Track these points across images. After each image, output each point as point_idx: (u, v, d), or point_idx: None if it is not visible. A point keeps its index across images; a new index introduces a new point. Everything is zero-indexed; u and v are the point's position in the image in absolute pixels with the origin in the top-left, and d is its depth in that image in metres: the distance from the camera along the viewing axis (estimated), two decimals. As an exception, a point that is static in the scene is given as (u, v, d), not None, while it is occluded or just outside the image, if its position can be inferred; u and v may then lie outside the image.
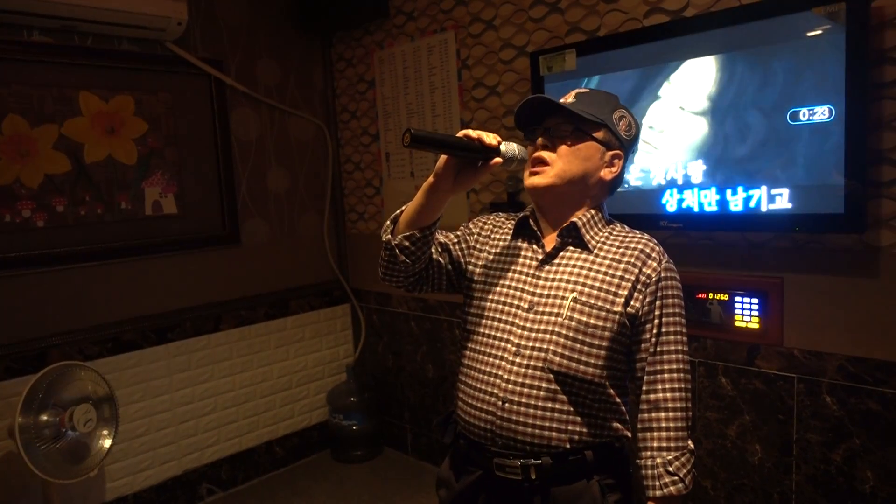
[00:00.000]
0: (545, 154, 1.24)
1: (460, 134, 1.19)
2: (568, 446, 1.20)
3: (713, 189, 1.91)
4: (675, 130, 1.98)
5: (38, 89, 2.41)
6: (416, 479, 3.04)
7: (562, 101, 1.27)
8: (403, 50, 2.96)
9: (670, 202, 2.01)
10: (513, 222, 1.36)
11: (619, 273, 1.21)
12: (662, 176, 2.03)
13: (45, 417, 2.14)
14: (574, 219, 1.26)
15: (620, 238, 1.27)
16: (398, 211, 1.30)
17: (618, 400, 1.23)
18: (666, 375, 1.21)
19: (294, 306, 3.25)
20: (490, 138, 1.19)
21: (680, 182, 1.99)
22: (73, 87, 2.50)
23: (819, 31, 1.67)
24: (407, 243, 1.25)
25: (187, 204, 2.85)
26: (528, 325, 1.23)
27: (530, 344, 1.21)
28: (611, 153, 1.26)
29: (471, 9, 2.64)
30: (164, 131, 2.76)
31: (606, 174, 1.26)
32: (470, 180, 1.23)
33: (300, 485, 3.07)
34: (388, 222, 1.31)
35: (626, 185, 2.11)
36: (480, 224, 1.41)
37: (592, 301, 1.20)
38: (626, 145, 1.28)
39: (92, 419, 2.25)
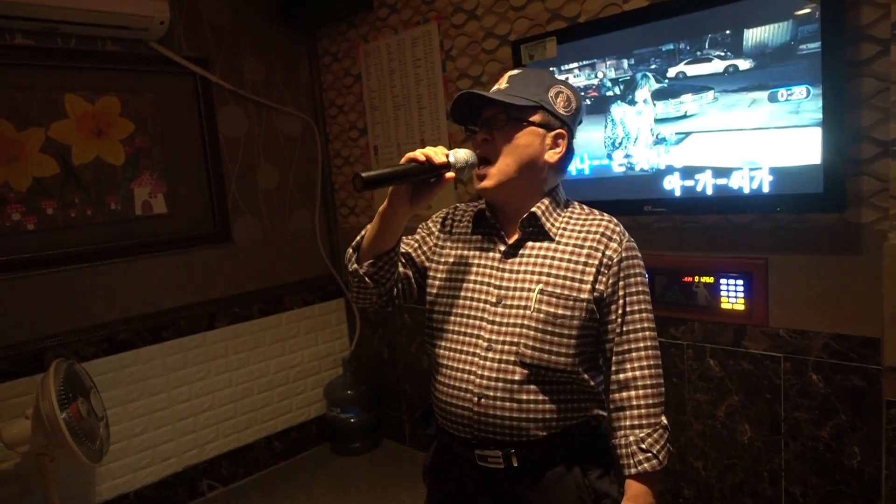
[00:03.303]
0: (485, 150, 1.23)
1: (408, 157, 1.18)
2: (545, 433, 1.21)
3: (695, 173, 1.92)
4: (656, 115, 1.99)
5: (22, 92, 2.42)
6: (414, 470, 3.04)
7: (495, 88, 1.25)
8: (388, 43, 2.96)
9: (653, 187, 2.02)
10: (472, 214, 1.35)
11: (582, 259, 1.21)
12: (645, 161, 2.03)
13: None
14: (533, 209, 1.25)
15: (581, 221, 1.26)
16: (358, 238, 1.30)
17: (591, 383, 1.25)
18: (634, 354, 1.22)
19: (288, 302, 3.27)
20: (439, 156, 1.18)
21: (662, 167, 2.00)
22: (58, 90, 2.51)
23: (795, 11, 1.67)
24: (373, 269, 1.26)
25: (177, 203, 2.86)
26: (498, 319, 1.23)
27: (501, 338, 1.22)
28: (552, 134, 1.23)
29: (453, -1, 2.64)
30: (152, 131, 2.77)
31: (552, 156, 1.24)
32: (426, 198, 1.23)
33: (300, 478, 3.10)
34: (350, 251, 1.30)
35: (610, 172, 2.12)
36: (440, 220, 1.40)
37: (559, 291, 1.20)
38: (567, 122, 1.25)
39: (102, 406, 2.28)
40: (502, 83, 1.25)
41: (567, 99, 1.25)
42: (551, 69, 2.20)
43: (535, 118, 1.22)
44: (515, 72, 1.27)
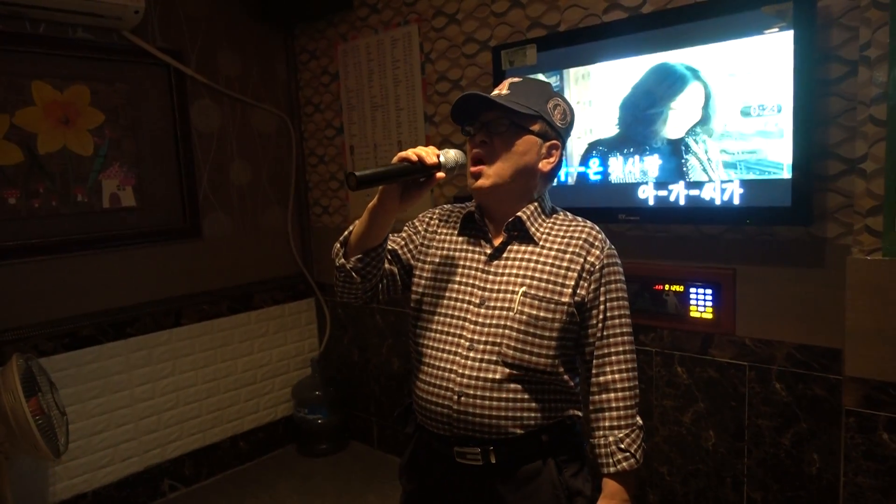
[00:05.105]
0: (482, 152, 1.26)
1: (400, 157, 1.21)
2: (522, 431, 1.24)
3: (668, 183, 1.96)
4: (631, 126, 2.02)
5: (-13, 78, 2.35)
6: (381, 472, 3.05)
7: (496, 92, 1.28)
8: (367, 42, 2.94)
9: (628, 196, 2.05)
10: (458, 216, 1.37)
11: (564, 264, 1.24)
12: (620, 170, 2.07)
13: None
14: (519, 213, 1.28)
15: (564, 228, 1.29)
16: (346, 233, 1.31)
17: (570, 384, 1.28)
18: (613, 358, 1.25)
19: (258, 300, 3.23)
20: (430, 156, 1.21)
21: (637, 176, 2.03)
22: (24, 76, 2.43)
23: (768, 30, 1.72)
24: (360, 265, 1.27)
25: (146, 196, 2.80)
26: (481, 319, 1.25)
27: (483, 338, 1.24)
28: (548, 144, 1.27)
29: (434, 2, 2.64)
30: (122, 122, 2.71)
31: (545, 165, 1.28)
32: (415, 197, 1.25)
33: (265, 479, 3.05)
34: (338, 245, 1.31)
35: (587, 180, 2.15)
36: (427, 220, 1.42)
37: (541, 294, 1.23)
38: (562, 134, 1.30)
39: (61, 402, 2.22)
40: (503, 89, 1.28)
41: (563, 112, 1.30)
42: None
43: (535, 127, 1.25)
44: (516, 79, 1.30)
